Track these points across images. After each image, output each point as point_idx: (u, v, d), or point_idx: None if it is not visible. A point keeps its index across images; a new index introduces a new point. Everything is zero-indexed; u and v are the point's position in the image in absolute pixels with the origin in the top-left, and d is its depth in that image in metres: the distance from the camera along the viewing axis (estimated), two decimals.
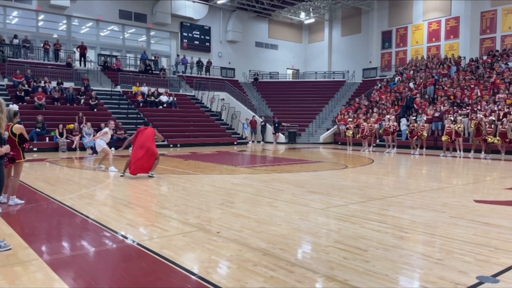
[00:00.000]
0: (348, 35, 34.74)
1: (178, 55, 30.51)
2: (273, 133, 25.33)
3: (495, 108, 17.69)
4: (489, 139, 15.26)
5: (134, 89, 23.87)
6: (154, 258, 4.00)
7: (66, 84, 21.74)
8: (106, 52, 28.35)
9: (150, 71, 27.06)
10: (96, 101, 21.22)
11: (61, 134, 17.69)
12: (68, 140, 17.80)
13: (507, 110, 17.13)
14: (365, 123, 19.78)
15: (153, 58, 29.13)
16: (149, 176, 9.45)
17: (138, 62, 28.34)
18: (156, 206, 6.51)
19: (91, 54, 26.86)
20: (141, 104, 23.01)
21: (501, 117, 16.61)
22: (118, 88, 23.95)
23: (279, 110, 28.24)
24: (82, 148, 17.91)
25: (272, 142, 25.03)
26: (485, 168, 12.39)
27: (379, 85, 27.35)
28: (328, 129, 25.55)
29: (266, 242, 4.45)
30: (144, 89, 23.98)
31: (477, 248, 4.28)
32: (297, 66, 37.64)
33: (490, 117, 16.47)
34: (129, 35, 30.14)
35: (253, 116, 25.83)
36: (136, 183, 8.85)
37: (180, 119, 23.43)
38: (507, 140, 15.15)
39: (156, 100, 23.67)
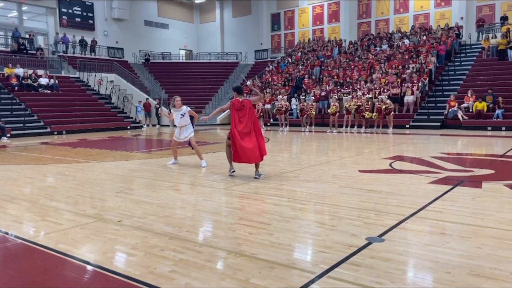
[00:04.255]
0: (239, 16, 35.09)
1: (57, 33, 27.74)
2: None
3: (372, 87, 19.61)
4: (367, 115, 16.95)
5: (7, 71, 21.16)
6: (50, 254, 3.69)
7: None
8: None
9: (25, 51, 24.18)
10: None
11: None
12: None
13: (382, 88, 19.12)
14: (260, 104, 20.42)
15: (27, 36, 26.05)
16: (255, 178, 7.01)
17: (10, 40, 25.11)
18: (45, 199, 5.96)
19: None
20: (16, 88, 20.55)
21: (377, 95, 18.49)
22: None
23: (174, 92, 27.38)
24: None
25: (168, 125, 24.47)
26: (365, 141, 13.76)
27: (271, 66, 28.34)
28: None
29: (172, 226, 4.40)
30: (19, 71, 21.41)
31: (365, 213, 4.78)
32: (190, 46, 36.99)
33: (367, 95, 18.24)
34: None
35: (147, 98, 24.88)
36: (18, 176, 7.98)
37: (63, 103, 21.53)
38: (381, 115, 16.97)
39: (34, 83, 21.35)
